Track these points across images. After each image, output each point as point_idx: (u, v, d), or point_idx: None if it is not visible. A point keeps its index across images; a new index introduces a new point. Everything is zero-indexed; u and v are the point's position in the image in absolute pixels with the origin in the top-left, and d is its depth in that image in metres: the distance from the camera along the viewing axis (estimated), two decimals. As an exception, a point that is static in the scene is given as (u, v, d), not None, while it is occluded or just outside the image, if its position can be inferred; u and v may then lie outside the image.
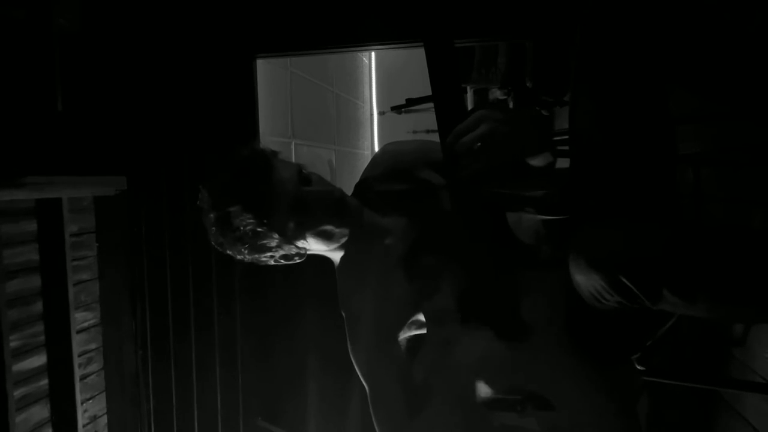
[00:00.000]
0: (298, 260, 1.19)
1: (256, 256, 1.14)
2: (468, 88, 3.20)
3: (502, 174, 0.90)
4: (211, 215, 1.12)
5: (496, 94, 3.36)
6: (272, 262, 1.17)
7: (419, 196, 1.17)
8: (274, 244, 1.12)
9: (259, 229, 1.09)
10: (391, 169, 1.25)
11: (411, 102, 3.04)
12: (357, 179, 1.31)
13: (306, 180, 1.14)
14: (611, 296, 0.83)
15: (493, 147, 0.86)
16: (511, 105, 3.08)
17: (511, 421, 0.93)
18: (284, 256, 1.16)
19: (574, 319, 0.96)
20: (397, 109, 3.35)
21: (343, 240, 1.17)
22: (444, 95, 0.95)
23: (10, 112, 2.10)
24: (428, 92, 1.04)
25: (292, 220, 1.10)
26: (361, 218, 1.18)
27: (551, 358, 0.96)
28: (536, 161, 0.92)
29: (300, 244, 1.14)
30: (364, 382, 1.11)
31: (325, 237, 1.14)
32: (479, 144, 0.86)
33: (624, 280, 0.80)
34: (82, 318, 2.49)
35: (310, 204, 1.11)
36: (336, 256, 1.22)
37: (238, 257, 1.15)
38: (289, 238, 1.12)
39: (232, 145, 1.18)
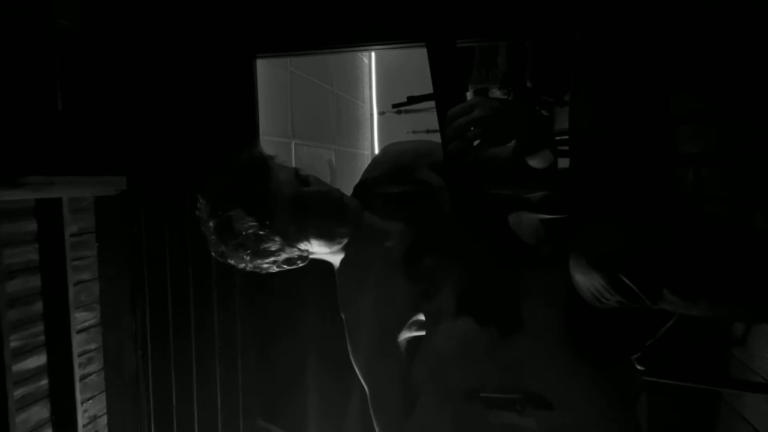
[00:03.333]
0: (300, 264, 1.18)
1: (258, 261, 1.12)
2: (468, 87, 3.20)
3: (504, 174, 0.90)
4: (211, 223, 1.10)
5: (496, 94, 3.36)
6: (275, 268, 1.16)
7: (419, 198, 1.17)
8: (276, 247, 1.11)
9: (261, 232, 1.08)
10: (391, 170, 1.24)
11: (413, 100, 3.03)
12: (357, 179, 1.30)
13: (304, 181, 1.13)
14: (611, 296, 0.83)
15: (486, 132, 0.85)
16: (511, 105, 3.07)
17: (510, 420, 0.93)
18: (287, 261, 1.15)
19: (574, 319, 0.96)
20: (398, 107, 3.35)
21: (345, 241, 1.16)
22: (446, 94, 0.95)
23: (10, 112, 2.10)
24: (428, 92, 1.04)
25: (294, 222, 1.09)
26: (361, 218, 1.17)
27: (551, 358, 0.96)
28: (536, 161, 0.92)
29: (302, 246, 1.13)
30: (364, 384, 1.11)
31: (327, 237, 1.14)
32: (473, 128, 0.86)
33: (624, 279, 0.80)
34: (82, 318, 2.49)
35: (311, 204, 1.10)
36: (336, 259, 1.21)
37: (240, 266, 1.14)
38: (291, 241, 1.11)
39: (231, 147, 1.17)
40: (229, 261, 1.14)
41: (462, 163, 0.88)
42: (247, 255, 1.11)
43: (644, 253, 0.81)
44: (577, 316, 0.95)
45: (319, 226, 1.12)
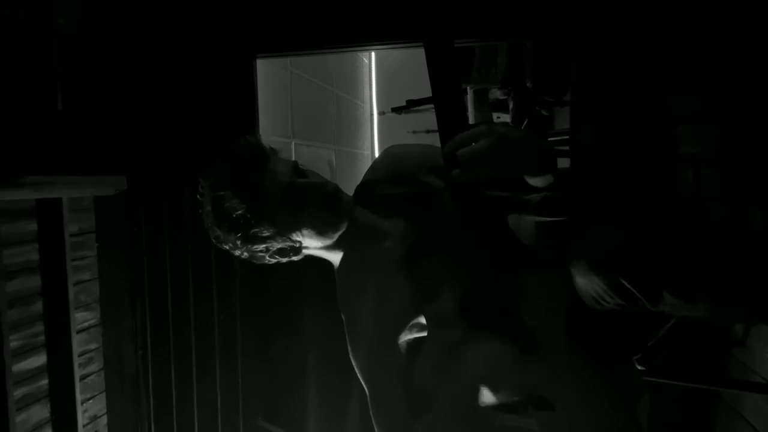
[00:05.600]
0: (293, 256, 1.18)
1: (250, 246, 1.13)
2: (468, 88, 3.20)
3: (502, 185, 0.90)
4: (208, 207, 1.12)
5: (496, 94, 3.36)
6: (268, 257, 1.16)
7: (420, 199, 1.17)
8: (266, 234, 1.11)
9: (249, 215, 1.08)
10: (393, 172, 1.24)
11: (411, 103, 3.04)
12: (357, 179, 1.31)
13: (301, 173, 1.14)
14: (611, 298, 0.83)
15: (490, 164, 0.85)
16: (511, 105, 3.08)
17: (511, 421, 0.93)
18: (280, 251, 1.15)
19: (574, 320, 0.96)
20: (397, 110, 3.35)
21: (337, 236, 1.16)
22: (444, 96, 0.95)
23: (10, 112, 2.10)
24: (428, 92, 1.04)
25: (285, 210, 1.09)
26: (353, 215, 1.17)
27: (552, 359, 0.96)
28: (536, 181, 0.92)
29: (294, 236, 1.13)
30: (364, 385, 1.11)
31: (319, 230, 1.14)
32: (477, 158, 0.85)
33: (624, 282, 0.80)
34: (82, 318, 2.49)
35: (305, 194, 1.10)
36: (335, 258, 1.21)
37: (236, 252, 1.15)
38: (283, 230, 1.11)
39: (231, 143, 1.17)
40: (225, 246, 1.15)
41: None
42: (239, 239, 1.11)
43: (643, 255, 0.81)
44: (577, 317, 0.95)
45: (312, 217, 1.12)
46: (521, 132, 0.95)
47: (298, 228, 1.12)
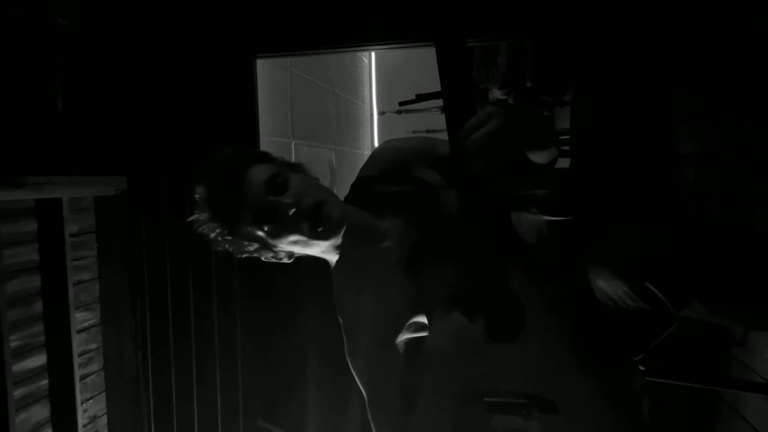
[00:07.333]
0: (287, 260, 1.17)
1: (240, 254, 1.13)
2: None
3: (509, 170, 0.89)
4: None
5: (496, 94, 3.36)
6: (263, 259, 1.16)
7: (418, 196, 1.16)
8: (252, 248, 1.11)
9: (227, 237, 1.09)
10: (389, 168, 1.21)
11: (421, 98, 3.01)
12: (357, 179, 1.29)
13: (280, 187, 1.07)
14: (633, 302, 0.83)
15: (503, 142, 0.85)
16: (511, 105, 3.08)
17: (514, 424, 0.93)
18: (272, 256, 1.15)
19: (578, 320, 0.96)
20: (405, 104, 3.32)
21: (326, 245, 1.12)
22: (454, 92, 0.94)
23: (10, 112, 2.10)
24: (428, 91, 1.03)
25: (259, 229, 1.07)
26: (341, 231, 1.10)
27: (555, 360, 0.96)
28: (542, 156, 0.91)
29: (279, 249, 1.11)
30: (361, 387, 1.10)
31: (301, 246, 1.11)
32: (493, 137, 0.85)
33: (650, 286, 0.79)
34: (82, 318, 2.49)
35: (276, 215, 1.05)
36: (332, 258, 1.19)
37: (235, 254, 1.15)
38: (265, 245, 1.10)
39: (226, 147, 1.16)
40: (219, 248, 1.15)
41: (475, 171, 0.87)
42: (228, 248, 1.12)
43: (672, 260, 0.80)
44: (581, 317, 0.95)
45: (288, 236, 1.07)
46: (523, 106, 0.95)
47: (278, 244, 1.09)
